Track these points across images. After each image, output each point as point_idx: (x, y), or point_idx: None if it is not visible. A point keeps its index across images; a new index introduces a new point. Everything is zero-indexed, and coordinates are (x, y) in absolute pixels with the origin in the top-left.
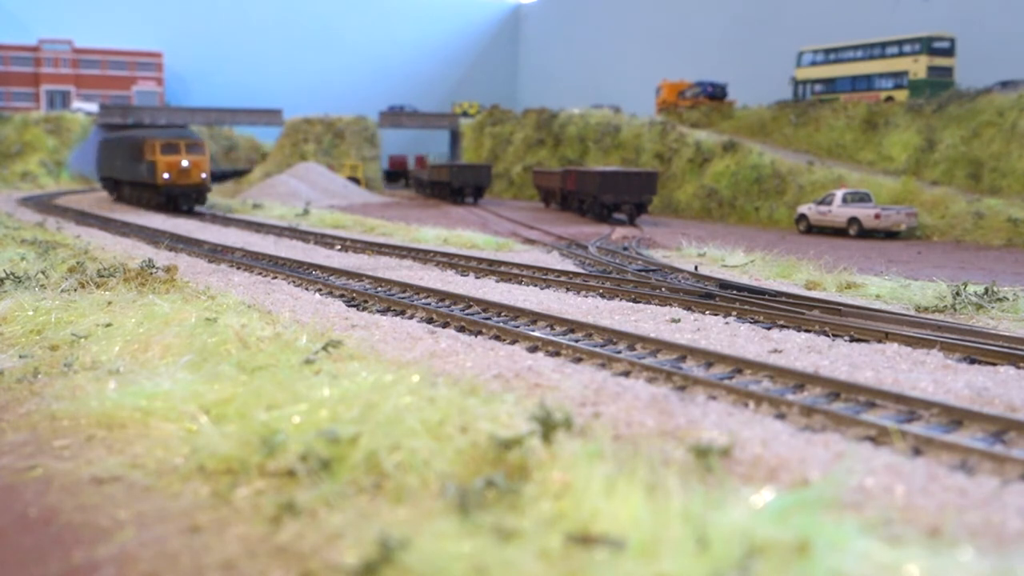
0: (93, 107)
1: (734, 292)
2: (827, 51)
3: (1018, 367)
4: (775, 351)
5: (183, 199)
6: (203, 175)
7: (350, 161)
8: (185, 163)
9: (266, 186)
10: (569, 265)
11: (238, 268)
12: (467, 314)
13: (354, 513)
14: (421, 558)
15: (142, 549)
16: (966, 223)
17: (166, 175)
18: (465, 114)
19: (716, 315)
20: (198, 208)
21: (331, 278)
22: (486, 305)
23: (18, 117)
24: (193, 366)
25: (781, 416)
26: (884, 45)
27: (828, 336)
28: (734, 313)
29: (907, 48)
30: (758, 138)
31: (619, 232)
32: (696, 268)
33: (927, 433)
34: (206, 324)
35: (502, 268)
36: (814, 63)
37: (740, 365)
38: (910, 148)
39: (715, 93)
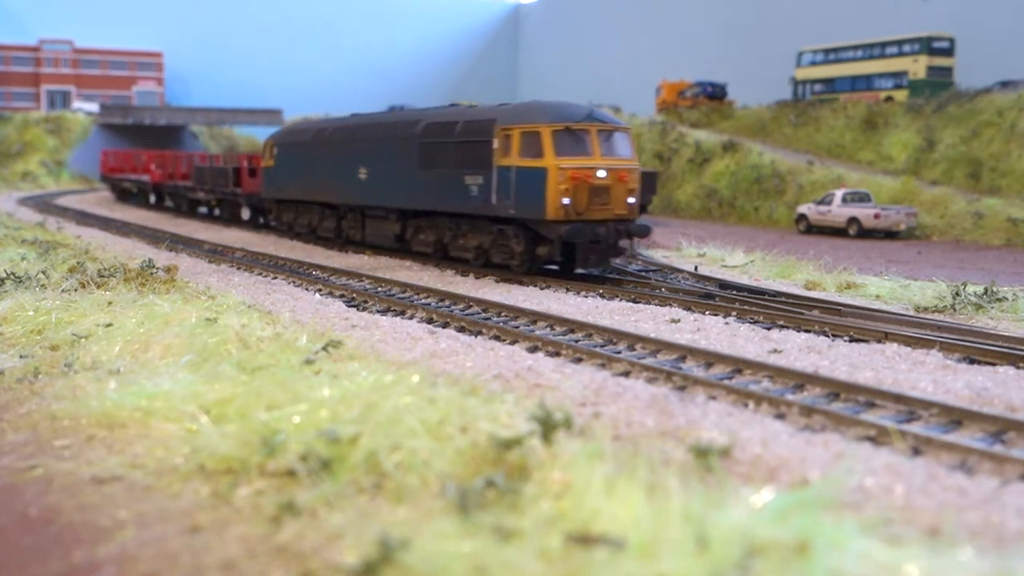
0: (93, 107)
1: (734, 292)
2: (827, 51)
3: (1017, 367)
4: (775, 351)
5: (590, 250)
6: (630, 199)
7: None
8: (602, 173)
9: None
10: None
11: (238, 268)
12: (467, 314)
13: (354, 513)
14: (421, 558)
15: (142, 549)
16: (966, 223)
17: (566, 200)
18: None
19: (716, 315)
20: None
21: (331, 278)
22: (486, 305)
23: (19, 117)
24: (193, 366)
25: (781, 416)
26: (884, 45)
27: (828, 336)
28: (734, 313)
29: (907, 48)
30: (758, 138)
31: None
32: (696, 268)
33: (927, 433)
34: (206, 324)
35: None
36: (814, 63)
37: (740, 365)
38: (910, 148)
39: (715, 93)
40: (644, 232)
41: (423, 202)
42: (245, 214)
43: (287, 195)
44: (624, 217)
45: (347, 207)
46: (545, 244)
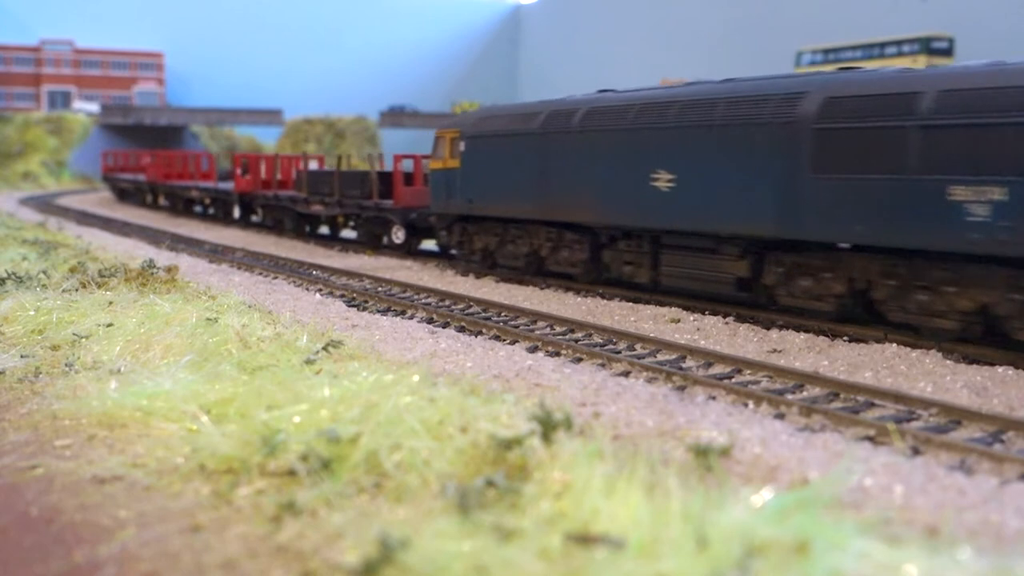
0: (94, 107)
1: None
2: (826, 51)
3: (1016, 367)
4: (774, 351)
5: None
6: None
7: (354, 161)
8: None
9: None
10: None
11: (239, 268)
12: (467, 314)
13: (354, 513)
14: (421, 557)
15: (143, 548)
16: None
17: None
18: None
19: (716, 315)
20: None
21: (331, 278)
22: (486, 305)
23: (19, 117)
24: (194, 366)
25: (780, 416)
26: (883, 45)
27: (828, 336)
28: (734, 313)
29: (906, 48)
30: None
31: None
32: None
33: (926, 433)
34: (207, 324)
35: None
36: (813, 63)
37: (740, 365)
38: None
39: None
40: None
41: (823, 229)
42: (398, 236)
43: (485, 210)
44: None
45: (618, 231)
46: None
